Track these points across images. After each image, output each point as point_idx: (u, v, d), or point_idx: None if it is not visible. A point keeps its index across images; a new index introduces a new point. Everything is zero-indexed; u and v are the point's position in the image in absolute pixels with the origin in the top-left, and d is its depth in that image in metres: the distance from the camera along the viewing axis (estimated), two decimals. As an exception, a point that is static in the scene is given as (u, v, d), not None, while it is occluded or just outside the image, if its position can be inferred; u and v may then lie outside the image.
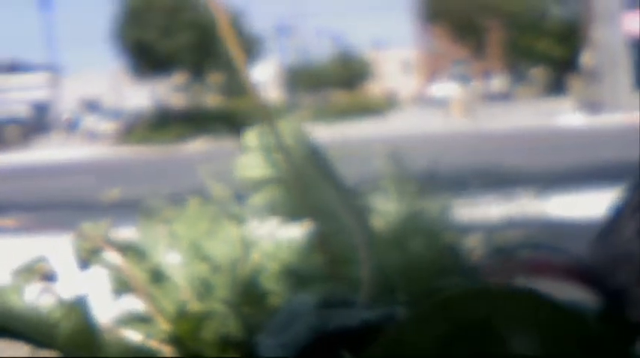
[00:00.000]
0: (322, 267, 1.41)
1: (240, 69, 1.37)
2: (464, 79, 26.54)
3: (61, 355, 1.27)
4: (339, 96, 43.24)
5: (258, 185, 1.46)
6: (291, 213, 1.44)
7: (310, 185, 1.43)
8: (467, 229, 1.64)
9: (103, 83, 55.95)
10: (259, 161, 1.47)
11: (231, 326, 1.29)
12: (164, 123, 28.33)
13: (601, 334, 0.84)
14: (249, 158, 1.47)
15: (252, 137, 1.48)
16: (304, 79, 46.86)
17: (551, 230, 1.69)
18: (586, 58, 26.57)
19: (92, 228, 1.42)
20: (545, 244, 1.67)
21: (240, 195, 1.51)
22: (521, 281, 1.43)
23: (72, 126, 42.41)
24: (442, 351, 0.82)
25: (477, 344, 0.81)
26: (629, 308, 1.49)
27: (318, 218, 1.41)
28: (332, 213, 1.42)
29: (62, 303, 1.25)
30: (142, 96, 40.11)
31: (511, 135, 14.75)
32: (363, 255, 1.37)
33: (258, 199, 1.46)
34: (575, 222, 2.53)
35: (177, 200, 1.56)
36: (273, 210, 1.44)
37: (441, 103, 30.32)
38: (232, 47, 1.35)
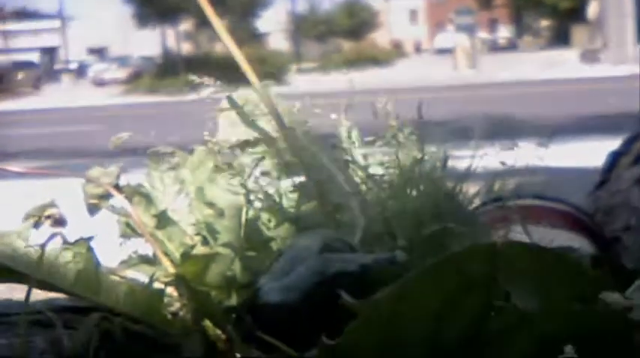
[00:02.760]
0: (321, 214, 1.44)
1: (212, 20, 1.40)
2: (470, 28, 26.30)
3: (67, 296, 1.31)
4: (346, 46, 43.00)
5: (244, 143, 1.50)
6: (281, 168, 1.48)
7: (294, 141, 1.47)
8: (468, 177, 1.67)
9: (111, 30, 55.51)
10: (245, 120, 1.50)
11: (236, 270, 1.33)
12: (172, 71, 28.20)
13: (599, 284, 0.86)
14: (236, 118, 1.51)
15: (237, 96, 1.52)
16: (311, 28, 46.52)
17: (551, 179, 1.71)
18: (592, 9, 26.33)
19: (101, 173, 1.45)
20: (544, 193, 1.70)
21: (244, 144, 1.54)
22: (521, 226, 1.45)
23: (80, 73, 42.27)
24: (447, 307, 0.84)
25: (482, 299, 0.83)
26: (624, 254, 1.52)
27: (306, 169, 1.45)
28: (318, 165, 1.45)
29: (68, 245, 1.29)
30: (150, 43, 39.82)
31: (515, 85, 14.70)
32: (354, 203, 1.40)
33: (248, 156, 1.50)
34: (576, 171, 2.55)
35: (184, 147, 1.59)
36: (264, 166, 1.49)
37: (447, 53, 30.15)
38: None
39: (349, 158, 1.55)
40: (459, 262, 0.84)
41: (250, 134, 1.50)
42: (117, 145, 1.51)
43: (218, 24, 1.43)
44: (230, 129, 1.52)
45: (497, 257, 0.84)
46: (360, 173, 1.53)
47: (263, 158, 1.49)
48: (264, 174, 1.50)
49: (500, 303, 0.83)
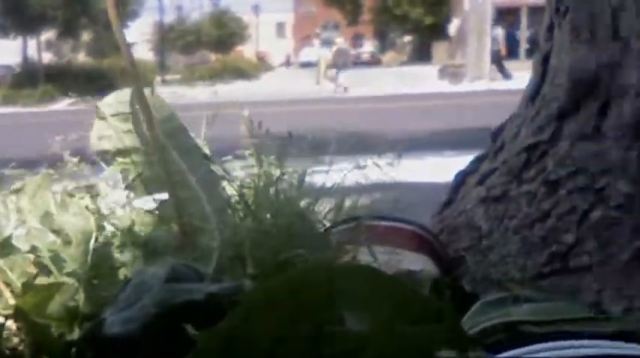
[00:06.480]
0: (176, 237, 1.42)
1: (114, 25, 1.37)
2: (332, 43, 26.60)
3: None
4: (213, 58, 42.77)
5: (113, 154, 1.46)
6: (146, 182, 1.45)
7: (164, 154, 1.44)
8: (322, 194, 1.68)
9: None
10: (114, 130, 1.47)
11: (80, 300, 1.29)
12: (31, 82, 27.43)
13: (436, 309, 0.88)
14: (104, 126, 1.47)
15: (107, 104, 1.48)
16: (178, 39, 46.04)
17: (406, 195, 1.73)
18: (453, 26, 27.11)
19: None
20: (394, 211, 1.72)
21: (99, 162, 1.51)
22: (368, 246, 1.47)
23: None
24: (286, 330, 0.84)
25: (318, 321, 0.83)
26: (465, 275, 1.56)
27: (172, 187, 1.42)
28: (185, 182, 1.43)
29: None
30: (10, 52, 38.59)
31: (375, 100, 14.99)
32: (212, 225, 1.39)
33: (113, 169, 1.47)
34: (430, 187, 2.61)
35: (35, 166, 1.54)
36: (128, 179, 1.45)
37: (311, 67, 30.45)
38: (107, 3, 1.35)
39: (222, 174, 1.53)
40: (294, 287, 0.85)
41: (121, 144, 1.47)
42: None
43: (118, 28, 1.38)
44: (102, 137, 1.48)
45: (332, 280, 0.85)
46: (230, 190, 1.52)
47: (127, 171, 1.46)
48: (129, 188, 1.47)
49: (334, 328, 0.83)
